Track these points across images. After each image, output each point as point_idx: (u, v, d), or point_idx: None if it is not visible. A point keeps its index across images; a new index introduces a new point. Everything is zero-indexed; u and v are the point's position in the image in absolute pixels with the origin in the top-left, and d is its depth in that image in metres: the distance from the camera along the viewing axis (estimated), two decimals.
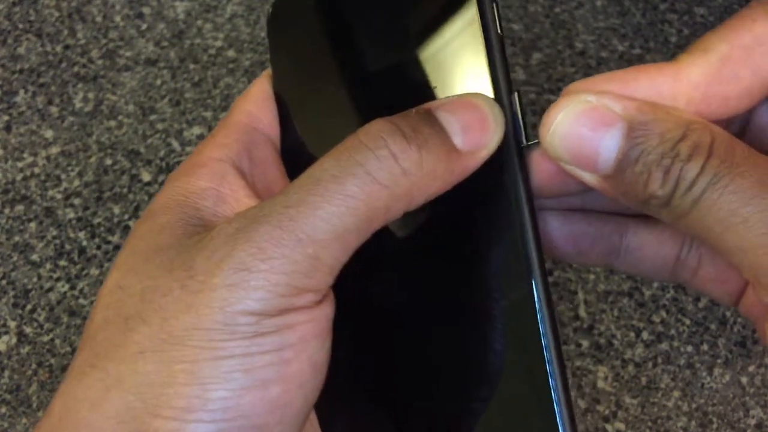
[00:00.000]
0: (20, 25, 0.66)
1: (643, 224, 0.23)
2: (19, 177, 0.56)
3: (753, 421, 0.45)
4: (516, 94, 0.21)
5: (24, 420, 0.46)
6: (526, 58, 0.61)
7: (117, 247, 0.52)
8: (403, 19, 0.23)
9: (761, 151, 0.21)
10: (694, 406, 0.45)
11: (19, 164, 0.57)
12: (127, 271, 0.20)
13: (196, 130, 0.58)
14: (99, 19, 0.66)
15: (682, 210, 0.18)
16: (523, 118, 0.21)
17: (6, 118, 0.59)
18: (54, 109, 0.60)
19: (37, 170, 0.56)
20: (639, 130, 0.18)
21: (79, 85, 0.61)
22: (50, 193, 0.55)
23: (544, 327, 0.19)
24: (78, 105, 0.60)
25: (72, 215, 0.54)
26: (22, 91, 0.61)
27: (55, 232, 0.53)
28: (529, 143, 0.21)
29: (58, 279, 0.51)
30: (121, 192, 0.55)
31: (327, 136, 0.19)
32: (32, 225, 0.54)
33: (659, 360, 0.47)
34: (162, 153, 0.57)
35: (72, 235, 0.53)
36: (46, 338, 0.49)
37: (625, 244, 0.23)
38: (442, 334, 0.21)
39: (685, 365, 0.47)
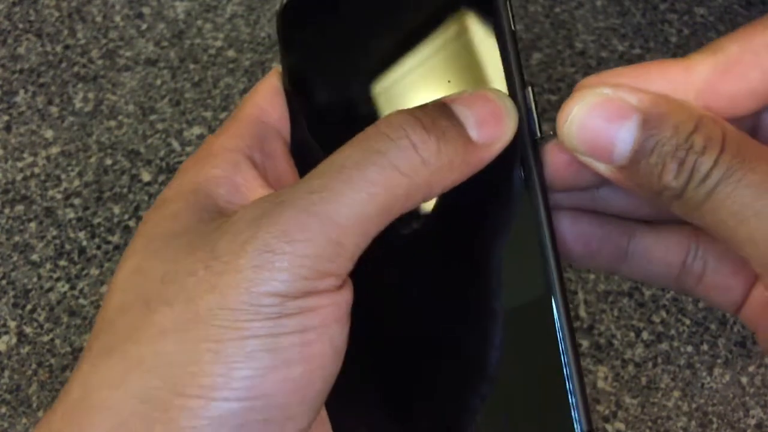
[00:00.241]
0: (20, 25, 0.66)
1: (650, 229, 0.24)
2: (19, 177, 0.56)
3: (753, 421, 0.45)
4: (529, 89, 0.22)
5: (24, 420, 0.46)
6: (526, 58, 0.61)
7: (117, 247, 0.52)
8: (417, 14, 0.23)
9: None
10: (694, 406, 0.45)
11: (19, 164, 0.57)
12: (145, 256, 0.20)
13: (196, 130, 0.58)
14: (99, 19, 0.66)
15: (695, 202, 0.18)
16: (536, 112, 0.22)
17: (6, 118, 0.59)
18: (54, 109, 0.60)
19: (37, 170, 0.56)
20: (654, 122, 0.19)
21: (79, 85, 0.61)
22: (50, 193, 0.55)
23: (560, 319, 0.20)
24: (78, 105, 0.60)
25: (72, 215, 0.54)
26: (22, 91, 0.61)
27: (55, 232, 0.53)
28: (543, 136, 0.21)
29: (58, 279, 0.51)
30: (121, 192, 0.55)
31: (337, 132, 0.20)
32: (32, 225, 0.54)
33: (659, 360, 0.47)
34: (162, 153, 0.57)
35: (72, 235, 0.53)
36: (46, 338, 0.49)
37: (632, 247, 0.24)
38: (454, 330, 0.22)
39: (685, 365, 0.47)
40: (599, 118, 0.19)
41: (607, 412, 0.45)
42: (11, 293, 0.51)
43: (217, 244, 0.19)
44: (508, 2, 0.22)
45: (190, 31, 0.64)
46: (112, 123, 0.59)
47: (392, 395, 0.22)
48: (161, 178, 0.55)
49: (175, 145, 0.57)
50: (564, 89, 0.59)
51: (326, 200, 0.18)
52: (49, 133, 0.58)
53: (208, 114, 0.59)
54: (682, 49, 0.62)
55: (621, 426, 0.45)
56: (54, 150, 0.57)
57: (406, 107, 0.20)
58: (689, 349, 0.47)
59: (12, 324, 0.49)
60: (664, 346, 0.47)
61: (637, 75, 0.20)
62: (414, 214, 0.21)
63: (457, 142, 0.20)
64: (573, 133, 0.20)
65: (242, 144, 0.23)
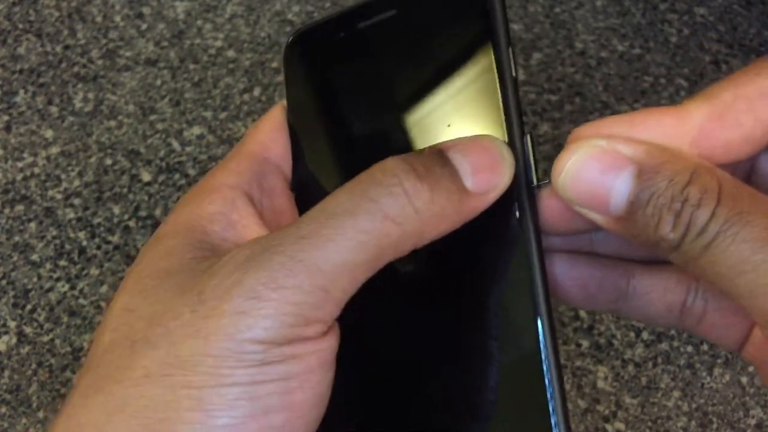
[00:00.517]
0: (20, 25, 0.66)
1: (649, 270, 0.24)
2: (19, 177, 0.56)
3: (753, 421, 0.45)
4: (528, 136, 0.22)
5: (24, 420, 0.46)
6: (526, 58, 0.61)
7: (117, 247, 0.52)
8: (420, 59, 0.23)
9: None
10: (694, 406, 0.45)
11: (19, 164, 0.57)
12: (136, 294, 0.20)
13: (196, 130, 0.58)
14: (99, 19, 0.66)
15: (692, 254, 0.18)
16: (534, 160, 0.22)
17: (6, 118, 0.59)
18: (54, 109, 0.60)
19: (37, 170, 0.56)
20: (649, 173, 0.19)
21: (79, 85, 0.61)
22: (50, 193, 0.55)
23: (548, 365, 0.20)
24: (78, 105, 0.60)
25: (72, 215, 0.54)
26: (22, 91, 0.61)
27: (55, 232, 0.53)
28: (540, 184, 0.21)
29: (58, 279, 0.51)
30: (121, 192, 0.55)
31: (338, 171, 0.20)
32: (32, 225, 0.54)
33: (659, 360, 0.47)
34: (162, 153, 0.57)
35: (72, 235, 0.53)
36: (46, 338, 0.49)
37: (632, 289, 0.23)
38: (445, 370, 0.22)
39: (685, 365, 0.47)
40: (594, 169, 0.19)
41: (607, 412, 0.45)
42: (11, 293, 0.51)
43: (205, 287, 0.19)
44: (510, 49, 0.22)
45: (190, 31, 0.64)
46: (112, 123, 0.59)
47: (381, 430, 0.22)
48: (161, 178, 0.55)
49: (175, 145, 0.57)
50: (564, 89, 0.59)
51: (315, 247, 0.18)
52: (49, 133, 0.58)
53: (208, 114, 0.59)
54: (682, 49, 0.62)
55: (621, 426, 0.45)
56: (54, 150, 0.57)
57: (406, 149, 0.20)
58: (689, 349, 0.47)
59: (12, 324, 0.49)
60: (664, 346, 0.47)
61: (631, 123, 0.20)
62: (407, 257, 0.21)
63: (451, 190, 0.20)
64: (568, 185, 0.20)
65: (241, 180, 0.23)
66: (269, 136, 0.25)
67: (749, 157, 0.21)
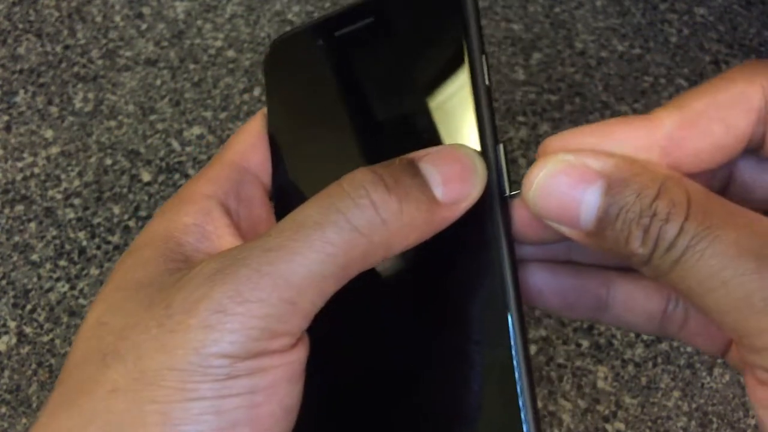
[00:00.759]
0: (20, 25, 0.66)
1: (629, 278, 0.23)
2: (19, 177, 0.56)
3: (753, 421, 0.45)
4: (501, 146, 0.22)
5: (24, 420, 0.46)
6: (526, 58, 0.61)
7: (117, 247, 0.52)
8: (396, 67, 0.24)
9: (743, 205, 0.22)
10: (694, 406, 0.45)
11: (19, 164, 0.57)
12: (108, 307, 0.20)
13: (196, 130, 0.58)
14: (99, 19, 0.66)
15: (662, 269, 0.18)
16: (507, 169, 0.22)
17: (6, 118, 0.59)
18: (54, 109, 0.60)
19: (37, 170, 0.56)
20: (617, 188, 0.19)
21: (79, 85, 0.61)
22: (50, 193, 0.55)
23: (519, 373, 0.20)
24: (78, 105, 0.60)
25: (72, 215, 0.54)
26: (22, 91, 0.61)
27: (55, 232, 0.53)
28: (512, 193, 0.21)
29: (58, 279, 0.51)
30: (121, 192, 0.55)
31: (317, 179, 0.20)
32: (32, 225, 0.54)
33: (659, 360, 0.47)
34: (162, 153, 0.57)
35: (72, 235, 0.53)
36: (46, 338, 0.49)
37: (612, 298, 0.23)
38: (419, 378, 0.22)
39: (685, 365, 0.47)
40: (563, 184, 0.19)
41: (607, 412, 0.45)
42: (11, 293, 0.51)
43: (172, 301, 0.19)
44: (483, 57, 0.22)
45: (190, 31, 0.64)
46: (112, 123, 0.59)
47: None
48: (161, 178, 0.55)
49: (175, 145, 0.57)
50: (564, 89, 0.59)
51: (282, 259, 0.18)
52: (49, 133, 0.58)
53: (208, 114, 0.59)
54: (682, 49, 0.62)
55: (621, 426, 0.45)
56: (54, 150, 0.57)
57: (383, 157, 0.20)
58: (689, 349, 0.47)
59: (12, 324, 0.49)
60: (664, 346, 0.47)
61: (601, 134, 0.20)
62: (379, 266, 0.21)
63: (420, 201, 0.19)
64: (538, 200, 0.20)
65: (218, 190, 0.23)
66: (248, 145, 0.25)
67: (721, 166, 0.21)
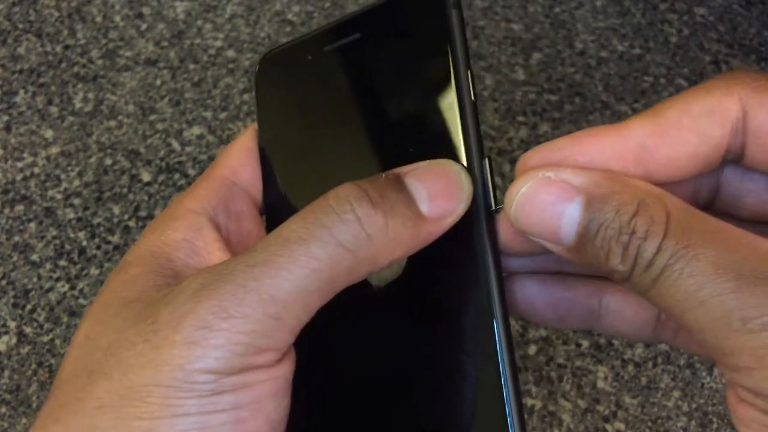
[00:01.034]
0: (20, 25, 0.66)
1: (620, 287, 0.23)
2: (19, 177, 0.56)
3: None
4: (486, 160, 0.22)
5: (24, 420, 0.46)
6: (526, 58, 0.61)
7: (117, 247, 0.52)
8: (384, 83, 0.24)
9: (731, 215, 0.22)
10: (694, 406, 0.45)
11: (19, 164, 0.57)
12: (96, 324, 0.20)
13: (196, 130, 0.58)
14: (99, 19, 0.66)
15: (642, 287, 0.18)
16: (492, 183, 0.22)
17: (6, 118, 0.59)
18: (54, 109, 0.60)
19: (37, 170, 0.56)
20: (597, 204, 0.18)
21: (79, 85, 0.61)
22: (50, 193, 0.55)
23: (506, 384, 0.20)
24: (78, 105, 0.60)
25: (72, 215, 0.54)
26: (22, 91, 0.61)
27: (55, 232, 0.53)
28: (498, 207, 0.21)
29: (58, 279, 0.51)
30: (121, 192, 0.55)
31: (308, 194, 0.20)
32: (32, 225, 0.54)
33: (659, 360, 0.47)
34: (162, 153, 0.57)
35: (72, 235, 0.53)
36: (46, 338, 0.49)
37: (604, 307, 0.23)
38: (406, 390, 0.22)
39: (685, 365, 0.47)
40: (543, 201, 0.19)
41: (607, 412, 0.45)
42: (11, 293, 0.51)
43: (158, 317, 0.19)
44: (469, 73, 0.22)
45: (190, 31, 0.64)
46: (112, 123, 0.59)
47: None
48: (161, 178, 0.55)
49: (175, 145, 0.57)
50: (564, 89, 0.59)
51: (266, 275, 0.18)
52: (49, 133, 0.58)
53: (208, 114, 0.59)
54: (682, 49, 0.62)
55: (621, 426, 0.45)
56: (54, 150, 0.57)
57: (372, 172, 0.20)
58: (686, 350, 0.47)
59: (12, 324, 0.49)
60: (664, 346, 0.47)
61: (574, 145, 0.20)
62: (368, 279, 0.21)
63: (406, 216, 0.20)
64: (519, 217, 0.20)
65: (207, 205, 0.23)
66: (238, 160, 0.25)
67: (699, 176, 0.20)
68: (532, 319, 0.24)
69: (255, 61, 0.61)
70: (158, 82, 0.61)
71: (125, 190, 0.55)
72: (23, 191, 0.55)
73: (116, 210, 0.54)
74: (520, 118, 0.58)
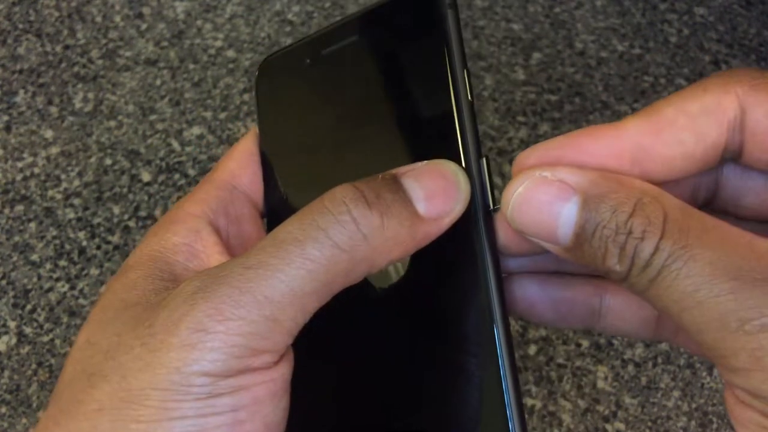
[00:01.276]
0: (20, 25, 0.66)
1: (621, 286, 0.23)
2: (19, 177, 0.56)
3: None
4: (484, 160, 0.22)
5: (24, 420, 0.46)
6: (526, 58, 0.61)
7: (117, 247, 0.52)
8: (382, 84, 0.24)
9: (731, 214, 0.22)
10: (694, 406, 0.45)
11: (19, 164, 0.57)
12: (97, 328, 0.20)
13: (196, 130, 0.58)
14: (99, 19, 0.66)
15: (640, 287, 0.18)
16: (491, 184, 0.22)
17: (6, 118, 0.59)
18: (54, 109, 0.60)
19: (37, 170, 0.56)
20: (593, 203, 0.18)
21: (79, 85, 0.61)
22: (50, 193, 0.55)
23: (506, 384, 0.20)
24: (78, 105, 0.60)
25: (72, 215, 0.54)
26: (22, 91, 0.61)
27: (55, 232, 0.53)
28: (496, 207, 0.21)
29: (58, 279, 0.51)
30: (121, 192, 0.55)
31: (308, 196, 0.20)
32: (32, 225, 0.54)
33: (659, 360, 0.47)
34: (162, 153, 0.57)
35: (72, 235, 0.53)
36: (46, 338, 0.49)
37: (605, 306, 0.23)
38: (407, 389, 0.22)
39: (685, 365, 0.47)
40: (540, 201, 0.19)
41: (607, 412, 0.45)
42: (11, 293, 0.51)
43: (155, 320, 0.19)
44: (465, 73, 0.22)
45: (190, 31, 0.64)
46: (112, 123, 0.59)
47: None
48: (161, 178, 0.55)
49: (175, 145, 0.57)
50: (564, 89, 0.59)
51: (262, 276, 0.18)
52: (49, 133, 0.58)
53: (208, 114, 0.59)
54: (682, 49, 0.62)
55: (621, 426, 0.45)
56: (54, 150, 0.57)
57: (371, 173, 0.20)
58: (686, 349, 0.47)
59: (12, 324, 0.49)
60: (664, 346, 0.47)
61: (571, 144, 0.20)
62: (367, 279, 0.21)
63: (402, 216, 0.19)
64: (516, 217, 0.20)
65: (207, 209, 0.24)
66: (238, 164, 0.25)
67: (697, 174, 0.20)
68: (532, 320, 0.24)
69: (255, 61, 0.61)
70: (158, 82, 0.61)
71: (125, 190, 0.55)
72: (23, 191, 0.55)
73: (116, 210, 0.54)
74: (520, 118, 0.58)
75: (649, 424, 0.45)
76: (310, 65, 0.25)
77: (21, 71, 0.62)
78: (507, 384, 0.20)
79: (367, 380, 0.23)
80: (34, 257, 0.52)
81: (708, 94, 0.19)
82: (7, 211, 0.54)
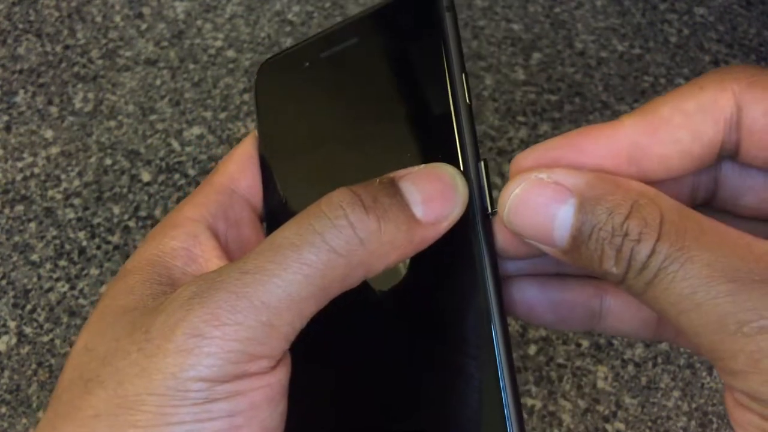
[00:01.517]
0: (20, 25, 0.66)
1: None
2: (19, 177, 0.56)
3: None
4: (482, 163, 0.22)
5: (24, 420, 0.46)
6: (526, 58, 0.61)
7: (117, 247, 0.52)
8: (381, 87, 0.24)
9: (731, 212, 0.21)
10: (694, 406, 0.45)
11: (19, 164, 0.57)
12: (95, 333, 0.20)
13: (196, 130, 0.58)
14: (99, 19, 0.66)
15: (637, 289, 0.18)
16: (489, 187, 0.22)
17: (6, 118, 0.59)
18: (54, 109, 0.60)
19: (37, 170, 0.56)
20: (589, 206, 0.18)
21: (79, 85, 0.61)
22: (50, 193, 0.55)
23: (505, 387, 0.20)
24: (78, 105, 0.60)
25: (72, 215, 0.54)
26: (22, 91, 0.61)
27: (55, 232, 0.53)
28: (495, 210, 0.21)
29: (58, 279, 0.51)
30: (121, 192, 0.55)
31: (308, 200, 0.20)
32: (32, 225, 0.54)
33: (659, 360, 0.47)
34: (162, 153, 0.57)
35: (72, 235, 0.53)
36: (46, 338, 0.49)
37: (606, 308, 0.23)
38: (406, 393, 0.22)
39: (685, 365, 0.47)
40: (536, 203, 0.19)
41: (607, 412, 0.45)
42: (11, 293, 0.51)
43: (152, 325, 0.19)
44: (464, 76, 0.22)
45: (190, 31, 0.64)
46: (112, 123, 0.59)
47: None
48: (161, 178, 0.55)
49: (175, 145, 0.57)
50: (564, 89, 0.59)
51: (259, 281, 0.18)
52: (49, 133, 0.58)
53: (208, 114, 0.59)
54: (682, 49, 0.62)
55: (621, 426, 0.45)
56: (54, 150, 0.57)
57: (369, 176, 0.20)
58: (687, 349, 0.47)
59: (12, 324, 0.49)
60: (664, 346, 0.47)
61: (568, 145, 0.20)
62: (366, 283, 0.21)
63: (400, 220, 0.19)
64: (512, 219, 0.20)
65: (206, 213, 0.23)
66: (237, 168, 0.25)
67: (694, 173, 0.20)
68: (532, 322, 0.24)
69: (255, 61, 0.61)
70: (158, 82, 0.61)
71: (125, 190, 0.55)
72: (23, 191, 0.55)
73: (116, 210, 0.54)
74: (520, 118, 0.58)
75: (649, 424, 0.45)
76: (309, 68, 0.25)
77: (21, 71, 0.62)
78: (505, 385, 0.20)
79: (365, 383, 0.23)
80: (34, 257, 0.52)
81: (704, 91, 0.19)
82: (7, 211, 0.54)
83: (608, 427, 0.45)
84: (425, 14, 0.22)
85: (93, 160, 0.57)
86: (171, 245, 0.22)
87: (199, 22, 0.65)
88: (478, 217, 0.21)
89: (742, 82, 0.19)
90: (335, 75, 0.25)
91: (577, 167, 0.20)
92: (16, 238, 0.53)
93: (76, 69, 0.62)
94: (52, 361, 0.48)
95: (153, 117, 0.59)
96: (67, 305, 0.50)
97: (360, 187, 0.20)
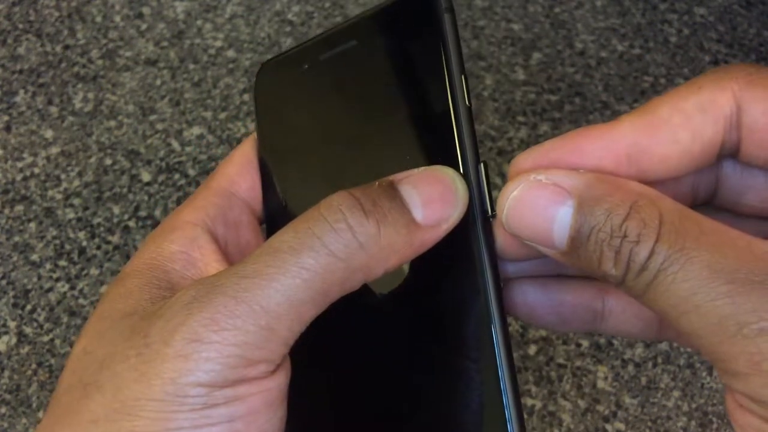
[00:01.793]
0: (20, 25, 0.66)
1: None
2: (19, 177, 0.56)
3: None
4: (482, 165, 0.21)
5: (24, 420, 0.46)
6: (526, 58, 0.61)
7: (117, 247, 0.52)
8: (380, 90, 0.24)
9: (732, 212, 0.21)
10: (694, 406, 0.45)
11: (19, 164, 0.57)
12: (94, 336, 0.20)
13: (196, 130, 0.58)
14: (99, 19, 0.66)
15: (637, 291, 0.18)
16: (489, 189, 0.21)
17: (6, 118, 0.59)
18: (54, 109, 0.60)
19: (37, 170, 0.56)
20: (587, 207, 0.18)
21: (79, 85, 0.61)
22: (50, 193, 0.55)
23: (505, 389, 0.20)
24: (78, 105, 0.60)
25: (72, 215, 0.54)
26: (22, 91, 0.61)
27: (55, 232, 0.53)
28: (495, 212, 0.21)
29: (58, 279, 0.51)
30: (121, 192, 0.55)
31: (308, 202, 0.20)
32: (32, 225, 0.54)
33: (659, 360, 0.47)
34: (162, 153, 0.57)
35: (72, 235, 0.53)
36: (46, 338, 0.49)
37: (608, 309, 0.23)
38: (407, 395, 0.22)
39: (685, 365, 0.47)
40: (535, 205, 0.19)
41: (607, 412, 0.45)
42: (11, 293, 0.51)
43: (150, 330, 0.19)
44: (463, 78, 0.22)
45: (190, 31, 0.64)
46: (112, 123, 0.59)
47: None
48: (161, 178, 0.55)
49: (175, 145, 0.57)
50: (564, 89, 0.59)
51: (258, 286, 0.18)
52: (49, 133, 0.58)
53: (208, 114, 0.59)
54: (682, 49, 0.62)
55: (621, 426, 0.45)
56: (54, 150, 0.57)
57: (369, 179, 0.20)
58: (689, 348, 0.47)
59: (12, 324, 0.49)
60: (664, 346, 0.47)
61: (566, 146, 0.20)
62: (366, 286, 0.21)
63: (399, 223, 0.19)
64: (511, 221, 0.20)
65: (205, 217, 0.23)
66: (236, 171, 0.25)
67: (691, 173, 0.20)
68: (534, 324, 0.24)
69: (255, 61, 0.61)
70: (158, 82, 0.61)
71: (125, 190, 0.55)
72: (23, 191, 0.55)
73: (116, 210, 0.54)
74: (520, 118, 0.58)
75: (649, 424, 0.45)
76: (309, 70, 0.25)
77: (21, 71, 0.62)
78: (506, 386, 0.20)
79: (365, 386, 0.23)
80: (34, 257, 0.52)
81: (703, 91, 0.19)
82: (7, 211, 0.54)
83: (608, 427, 0.45)
84: (424, 16, 0.22)
85: (93, 160, 0.57)
86: (170, 249, 0.22)
87: (199, 22, 0.65)
88: (478, 219, 0.21)
89: (741, 80, 0.19)
90: (335, 77, 0.25)
91: (577, 168, 0.19)
92: (16, 238, 0.53)
93: (76, 69, 0.62)
94: (52, 361, 0.48)
95: (153, 117, 0.59)
96: (67, 305, 0.50)
97: (359, 190, 0.20)
